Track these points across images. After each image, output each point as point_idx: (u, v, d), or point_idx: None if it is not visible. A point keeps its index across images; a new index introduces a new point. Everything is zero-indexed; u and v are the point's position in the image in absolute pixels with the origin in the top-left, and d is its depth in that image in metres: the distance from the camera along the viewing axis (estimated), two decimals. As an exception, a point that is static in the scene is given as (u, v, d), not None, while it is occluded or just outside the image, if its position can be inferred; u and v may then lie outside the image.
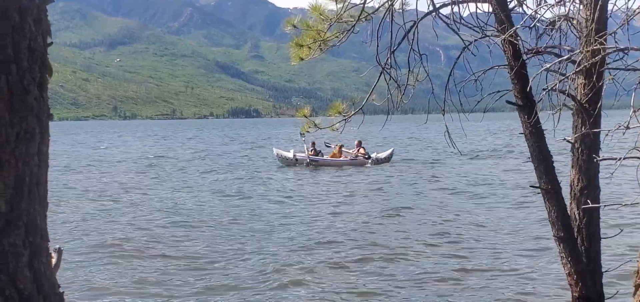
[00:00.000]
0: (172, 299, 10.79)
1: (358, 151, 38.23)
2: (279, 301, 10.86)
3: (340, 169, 35.55)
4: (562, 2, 8.51)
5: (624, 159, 6.83)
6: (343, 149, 38.47)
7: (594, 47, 7.64)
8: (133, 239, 15.66)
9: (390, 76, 8.57)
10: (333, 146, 38.57)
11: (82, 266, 13.04)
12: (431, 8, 8.18)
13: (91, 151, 59.25)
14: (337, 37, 8.45)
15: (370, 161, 37.36)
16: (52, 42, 3.01)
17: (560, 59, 8.21)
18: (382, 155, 38.74)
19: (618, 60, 7.97)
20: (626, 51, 7.73)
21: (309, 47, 8.44)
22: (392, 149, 40.75)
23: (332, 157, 38.08)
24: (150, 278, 12.09)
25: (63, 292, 3.21)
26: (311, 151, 38.12)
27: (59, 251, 3.27)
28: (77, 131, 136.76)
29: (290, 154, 38.19)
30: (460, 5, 8.50)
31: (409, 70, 8.56)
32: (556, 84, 7.86)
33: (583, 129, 8.41)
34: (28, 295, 2.84)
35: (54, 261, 3.15)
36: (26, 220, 2.84)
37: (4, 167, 2.73)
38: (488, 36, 8.44)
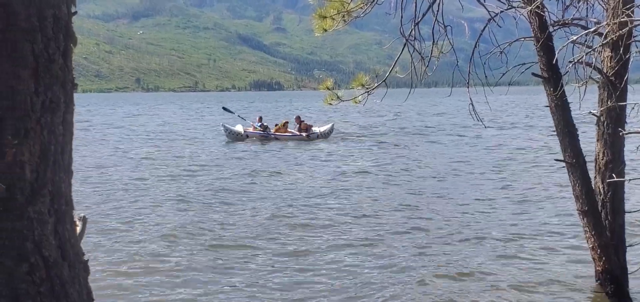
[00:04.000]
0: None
1: (300, 125, 38.16)
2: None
3: (286, 142, 35.62)
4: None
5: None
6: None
7: (621, 20, 7.54)
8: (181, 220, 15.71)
9: (414, 48, 8.50)
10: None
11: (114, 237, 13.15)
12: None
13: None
14: (361, 7, 8.40)
15: (316, 136, 37.45)
16: (76, 11, 3.01)
17: (586, 31, 8.13)
18: (323, 129, 38.66)
19: (646, 32, 7.87)
20: (654, 23, 7.63)
21: (333, 18, 8.40)
22: (332, 124, 40.56)
23: (276, 131, 37.85)
24: (180, 257, 12.16)
25: (87, 259, 3.23)
26: (259, 126, 38.02)
27: (84, 219, 3.29)
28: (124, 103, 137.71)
29: (240, 129, 37.85)
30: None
31: (433, 42, 8.49)
32: (582, 57, 7.78)
33: (609, 102, 8.33)
34: (53, 262, 2.86)
35: (78, 229, 3.17)
36: (51, 188, 2.86)
37: (30, 136, 2.74)
38: (514, 7, 8.36)
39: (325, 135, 37.94)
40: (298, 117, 39.48)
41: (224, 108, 45.20)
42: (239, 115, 41.41)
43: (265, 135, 37.08)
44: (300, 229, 13.76)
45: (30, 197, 2.78)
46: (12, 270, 2.76)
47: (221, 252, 11.95)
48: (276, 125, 38.79)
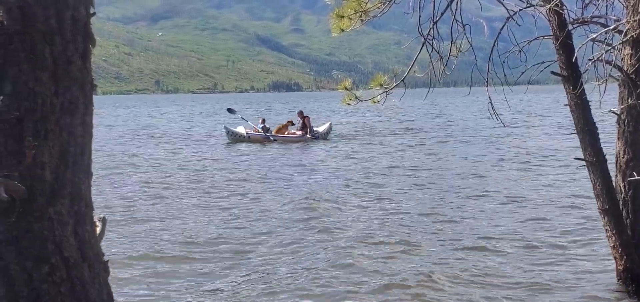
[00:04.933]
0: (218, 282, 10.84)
1: (303, 121, 37.93)
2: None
3: (291, 144, 35.44)
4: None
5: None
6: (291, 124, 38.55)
7: (642, 17, 7.48)
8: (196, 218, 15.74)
9: (433, 47, 8.47)
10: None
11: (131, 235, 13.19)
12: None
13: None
14: (378, 7, 8.38)
15: (317, 136, 37.20)
16: (95, 13, 3.02)
17: (606, 29, 8.06)
18: (322, 129, 38.48)
19: (666, 29, 7.79)
20: (675, 20, 7.55)
21: (350, 18, 8.39)
22: (329, 122, 40.55)
23: (277, 133, 37.40)
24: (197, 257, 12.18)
25: (107, 260, 3.25)
26: (261, 127, 37.54)
27: (103, 220, 3.31)
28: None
29: (241, 131, 37.14)
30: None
31: (452, 41, 8.45)
32: (602, 55, 7.72)
33: (629, 100, 8.26)
34: (73, 262, 2.88)
35: (98, 229, 3.18)
36: (71, 189, 2.88)
37: (49, 137, 2.76)
38: (533, 5, 8.31)
39: (324, 135, 37.76)
40: (301, 112, 39.33)
41: (228, 109, 44.85)
42: (242, 117, 41.22)
43: (266, 137, 36.63)
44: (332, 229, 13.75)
45: (50, 199, 2.80)
46: (33, 271, 2.79)
47: (244, 255, 11.93)
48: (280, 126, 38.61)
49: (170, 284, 10.37)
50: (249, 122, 39.27)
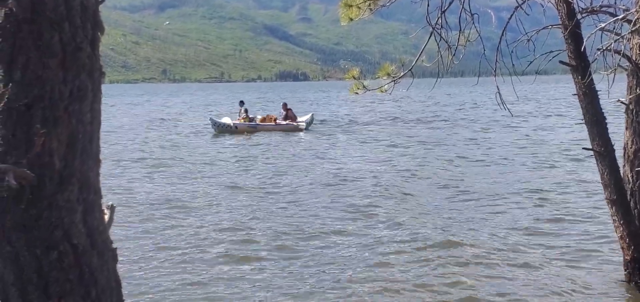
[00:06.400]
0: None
1: (287, 113, 37.89)
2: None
3: (275, 133, 35.28)
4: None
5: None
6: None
7: (651, 6, 7.45)
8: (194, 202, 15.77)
9: (441, 37, 8.45)
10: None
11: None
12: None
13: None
14: (387, -5, 8.38)
15: (303, 126, 37.13)
16: (103, 0, 3.02)
17: (615, 19, 8.02)
18: (304, 119, 38.60)
19: (676, 19, 7.74)
20: (684, 10, 7.51)
21: (359, 7, 8.38)
22: (311, 113, 40.83)
23: (261, 122, 37.14)
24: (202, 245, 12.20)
25: (116, 248, 3.25)
26: (244, 117, 37.47)
27: (112, 208, 3.31)
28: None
29: (228, 121, 37.10)
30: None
31: (460, 31, 8.42)
32: (611, 44, 7.68)
33: (638, 90, 8.23)
34: (82, 250, 2.88)
35: (106, 217, 3.19)
36: (80, 176, 2.88)
37: (58, 124, 2.76)
38: (542, -6, 8.29)
39: (306, 125, 37.60)
40: (284, 104, 39.57)
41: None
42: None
43: (253, 127, 36.33)
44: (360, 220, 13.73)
45: (59, 186, 2.80)
46: (42, 258, 2.79)
47: (251, 249, 11.93)
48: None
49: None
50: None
